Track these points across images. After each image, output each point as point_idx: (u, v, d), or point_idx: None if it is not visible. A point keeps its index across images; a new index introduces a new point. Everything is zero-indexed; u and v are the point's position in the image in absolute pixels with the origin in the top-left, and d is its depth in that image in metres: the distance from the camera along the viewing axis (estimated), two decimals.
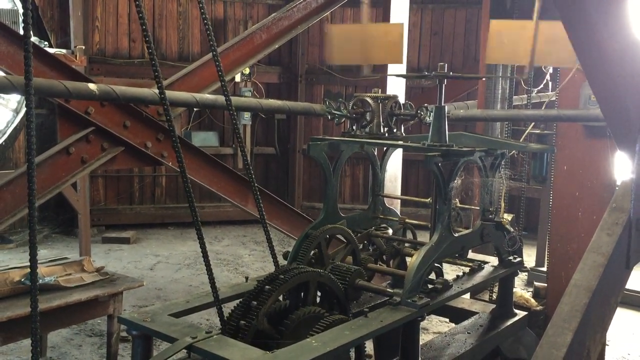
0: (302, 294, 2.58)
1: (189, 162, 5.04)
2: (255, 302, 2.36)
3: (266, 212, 2.94)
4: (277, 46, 5.56)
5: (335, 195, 3.23)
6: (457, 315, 3.52)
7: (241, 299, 2.46)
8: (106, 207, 9.99)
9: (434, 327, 5.88)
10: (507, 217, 3.45)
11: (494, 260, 3.44)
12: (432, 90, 9.89)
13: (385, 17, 6.20)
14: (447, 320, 4.11)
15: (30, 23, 1.83)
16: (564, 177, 4.10)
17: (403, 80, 6.26)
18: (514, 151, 4.80)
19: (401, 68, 6.14)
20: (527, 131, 4.89)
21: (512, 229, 3.36)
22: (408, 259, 3.22)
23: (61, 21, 9.31)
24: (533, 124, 5.12)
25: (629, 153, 2.24)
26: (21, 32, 1.97)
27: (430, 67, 10.43)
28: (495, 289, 4.11)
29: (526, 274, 7.14)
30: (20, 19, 6.76)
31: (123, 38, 10.06)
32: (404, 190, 8.55)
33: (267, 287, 2.42)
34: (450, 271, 3.91)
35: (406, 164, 7.86)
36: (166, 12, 10.26)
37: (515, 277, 3.52)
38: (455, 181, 2.89)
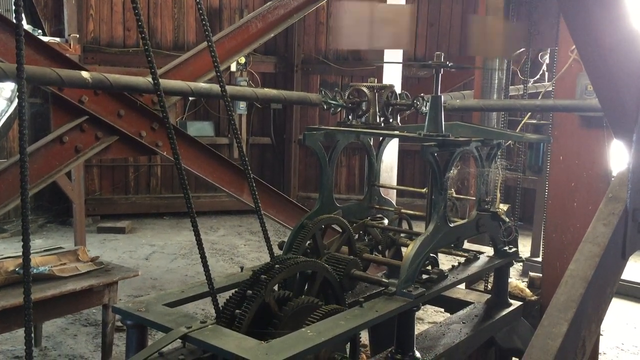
0: (306, 285, 2.59)
1: (184, 152, 5.02)
2: (264, 276, 2.36)
3: (262, 202, 2.93)
4: (272, 35, 5.52)
5: (331, 185, 3.22)
6: (453, 305, 3.52)
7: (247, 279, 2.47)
8: (101, 197, 9.97)
9: (429, 317, 5.89)
10: (503, 207, 3.44)
11: (489, 251, 3.44)
12: (428, 80, 9.87)
13: None
14: (443, 310, 4.12)
15: (21, 10, 1.80)
16: (560, 167, 4.09)
17: (399, 70, 6.24)
18: (510, 141, 4.80)
19: (398, 58, 6.12)
20: (523, 121, 4.89)
21: (507, 219, 3.35)
22: (403, 249, 3.22)
23: (55, 9, 9.25)
24: (529, 114, 5.11)
25: (625, 143, 2.23)
26: (14, 19, 1.95)
27: (427, 58, 10.40)
28: (491, 279, 4.12)
29: (521, 264, 7.17)
30: (13, 7, 6.70)
31: (117, 27, 10.00)
32: (400, 181, 8.55)
33: (277, 265, 2.43)
34: (445, 261, 3.91)
35: (402, 154, 7.86)
36: (161, 0, 10.19)
37: (511, 268, 3.52)
38: (451, 171, 2.88)
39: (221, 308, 2.37)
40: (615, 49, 2.04)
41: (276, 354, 2.02)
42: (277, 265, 2.44)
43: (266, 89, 4.75)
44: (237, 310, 2.29)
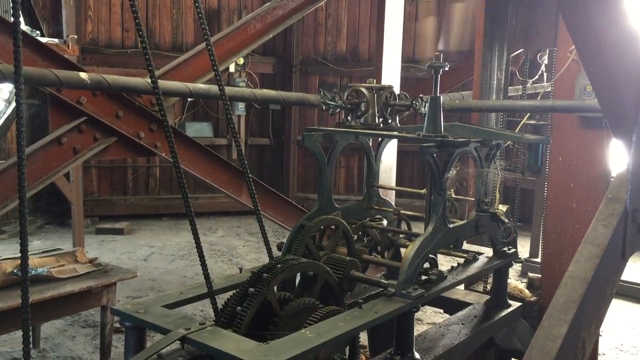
0: (305, 287, 2.58)
1: (183, 153, 5.01)
2: (266, 274, 2.36)
3: (260, 203, 2.92)
4: (271, 36, 5.52)
5: (330, 186, 3.21)
6: (452, 306, 3.52)
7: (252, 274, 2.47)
8: (100, 198, 9.95)
9: (429, 318, 5.89)
10: (502, 208, 3.43)
11: (488, 251, 3.43)
12: (427, 80, 9.87)
13: (380, 8, 6.16)
14: (442, 311, 4.11)
15: (19, 10, 1.79)
16: (559, 168, 4.09)
17: (398, 71, 6.23)
18: (509, 142, 4.80)
19: (396, 59, 6.11)
20: (522, 122, 4.88)
21: (506, 220, 3.35)
22: (403, 250, 3.21)
23: (53, 10, 9.23)
24: (528, 114, 5.11)
25: (625, 143, 2.23)
26: (11, 20, 1.94)
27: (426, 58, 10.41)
28: (490, 280, 4.11)
29: (520, 265, 7.16)
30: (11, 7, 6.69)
31: (116, 28, 9.99)
32: (399, 181, 8.55)
33: (279, 265, 2.43)
34: (444, 262, 3.91)
35: (401, 154, 7.85)
36: (160, 1, 10.19)
37: (510, 268, 3.52)
38: (450, 172, 2.88)
39: (222, 307, 2.36)
40: (615, 48, 2.04)
41: (275, 356, 2.01)
42: (279, 265, 2.44)
43: (265, 90, 4.75)
44: (238, 308, 2.28)
